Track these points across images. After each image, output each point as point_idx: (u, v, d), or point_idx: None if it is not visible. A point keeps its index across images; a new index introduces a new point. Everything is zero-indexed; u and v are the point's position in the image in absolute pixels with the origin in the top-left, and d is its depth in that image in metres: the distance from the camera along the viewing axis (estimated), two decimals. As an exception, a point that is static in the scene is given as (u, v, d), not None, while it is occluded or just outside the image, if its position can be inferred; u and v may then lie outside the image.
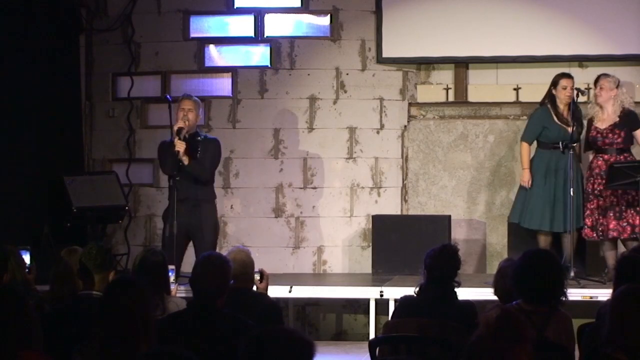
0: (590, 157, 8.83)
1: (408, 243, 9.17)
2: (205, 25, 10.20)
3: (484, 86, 9.94)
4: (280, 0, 10.11)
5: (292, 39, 10.06)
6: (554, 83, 8.83)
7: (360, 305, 9.53)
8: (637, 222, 8.47)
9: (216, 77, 10.19)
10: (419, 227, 9.32)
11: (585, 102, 9.05)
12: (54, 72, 9.67)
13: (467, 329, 4.94)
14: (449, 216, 9.52)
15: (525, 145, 8.91)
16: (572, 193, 8.47)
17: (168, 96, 9.10)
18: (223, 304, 4.71)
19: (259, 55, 10.16)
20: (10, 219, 8.90)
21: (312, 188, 10.01)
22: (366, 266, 9.66)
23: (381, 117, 10.01)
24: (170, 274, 6.22)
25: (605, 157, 8.62)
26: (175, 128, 8.38)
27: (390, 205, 9.95)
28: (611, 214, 8.52)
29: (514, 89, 9.86)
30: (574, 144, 8.66)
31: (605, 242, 8.65)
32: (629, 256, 5.37)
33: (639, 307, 3.76)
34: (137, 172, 10.13)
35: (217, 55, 10.21)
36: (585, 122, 8.96)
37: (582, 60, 9.70)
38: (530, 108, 9.58)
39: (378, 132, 10.02)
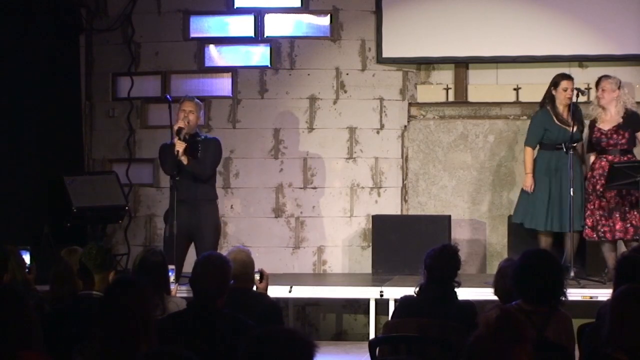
0: (592, 158, 8.80)
1: (408, 243, 9.17)
2: (205, 25, 10.20)
3: (484, 86, 9.94)
4: (280, 0, 10.11)
5: (292, 39, 10.06)
6: (555, 84, 8.82)
7: (360, 305, 9.53)
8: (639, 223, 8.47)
9: (216, 77, 10.19)
10: (419, 227, 9.32)
11: (585, 102, 9.05)
12: (54, 72, 9.67)
13: (467, 329, 4.94)
14: (449, 216, 9.52)
15: (529, 149, 8.89)
16: (572, 193, 8.46)
17: (168, 96, 9.11)
18: (223, 304, 4.71)
19: (259, 55, 10.16)
20: (10, 219, 8.90)
21: (312, 188, 10.01)
22: (366, 266, 9.66)
23: (381, 117, 10.01)
24: (170, 274, 6.22)
25: (609, 157, 8.60)
26: (175, 128, 8.38)
27: (390, 205, 9.95)
28: (617, 215, 8.51)
29: (514, 89, 9.86)
30: (575, 144, 8.66)
31: (605, 243, 8.65)
32: (629, 256, 5.37)
33: (639, 307, 3.75)
34: (137, 172, 10.13)
35: (217, 55, 10.21)
36: (586, 122, 8.96)
37: (582, 60, 9.69)
38: (530, 108, 9.58)
39: (378, 132, 10.02)
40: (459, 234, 9.74)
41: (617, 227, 8.49)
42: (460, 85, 9.95)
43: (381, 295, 8.43)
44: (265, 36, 10.09)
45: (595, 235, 8.61)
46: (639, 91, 9.53)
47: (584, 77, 9.45)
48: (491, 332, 3.08)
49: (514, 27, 9.67)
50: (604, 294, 7.57)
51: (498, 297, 5.37)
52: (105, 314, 3.87)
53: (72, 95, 10.07)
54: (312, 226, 9.98)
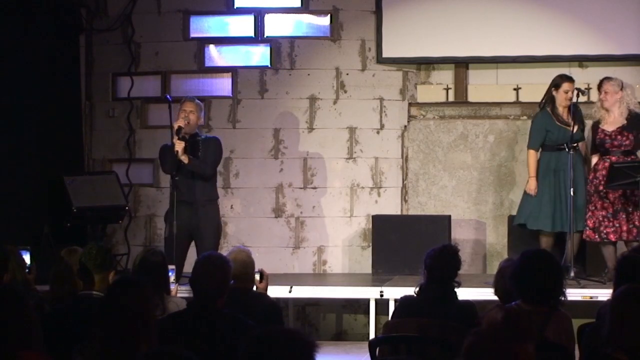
0: (595, 159, 8.77)
1: (408, 243, 9.17)
2: (205, 25, 10.20)
3: (484, 86, 9.94)
4: (280, 0, 10.11)
5: (292, 39, 10.06)
6: (556, 85, 8.79)
7: (360, 305, 9.53)
8: None
9: (216, 77, 10.19)
10: (419, 227, 9.32)
11: (585, 102, 9.05)
12: (54, 72, 9.67)
13: (467, 329, 4.93)
14: (449, 216, 9.52)
15: (532, 152, 8.87)
16: (572, 193, 8.46)
17: (168, 96, 9.11)
18: (223, 304, 4.71)
19: (259, 55, 10.16)
20: (10, 219, 8.90)
21: (312, 188, 10.01)
22: (366, 266, 9.66)
23: (381, 117, 10.01)
24: (170, 274, 6.22)
25: (613, 159, 8.58)
26: (175, 126, 8.38)
27: (390, 205, 9.95)
28: (623, 216, 8.50)
29: (514, 89, 9.86)
30: (575, 144, 8.65)
31: (606, 243, 8.64)
32: (629, 256, 5.37)
33: (639, 307, 3.75)
34: (137, 172, 10.14)
35: (217, 55, 10.21)
36: (586, 122, 8.95)
37: (582, 60, 9.69)
38: (530, 108, 9.58)
39: (378, 132, 10.02)
40: (459, 234, 9.74)
41: (624, 228, 8.48)
42: (460, 85, 9.95)
43: (381, 295, 8.43)
44: (265, 36, 10.09)
45: (597, 237, 8.58)
46: (639, 91, 9.53)
47: (584, 77, 9.45)
48: (496, 329, 3.08)
49: (514, 27, 9.67)
50: (604, 294, 7.56)
51: (498, 297, 5.37)
52: (105, 314, 3.87)
53: (72, 95, 10.07)
54: (312, 226, 9.98)
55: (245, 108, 10.07)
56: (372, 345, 5.42)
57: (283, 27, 10.11)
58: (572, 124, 8.65)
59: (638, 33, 9.50)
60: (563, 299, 4.86)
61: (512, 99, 9.89)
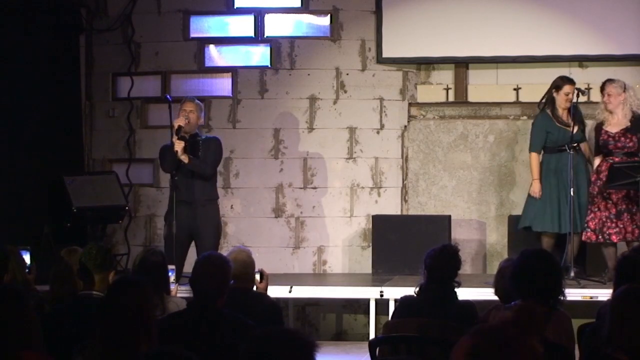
0: (598, 160, 8.75)
1: (408, 243, 9.17)
2: (205, 25, 10.20)
3: (484, 86, 9.94)
4: (280, 0, 10.11)
5: (292, 39, 10.06)
6: (557, 87, 8.77)
7: (360, 305, 9.53)
8: None
9: (216, 77, 10.19)
10: (419, 227, 9.32)
11: (585, 102, 9.05)
12: (54, 72, 9.67)
13: (468, 329, 4.93)
14: (449, 216, 9.52)
15: (534, 155, 8.86)
16: (572, 193, 8.45)
17: (168, 96, 9.11)
18: (223, 304, 4.71)
19: (259, 55, 10.16)
20: (10, 219, 8.90)
21: (312, 188, 10.01)
22: (366, 266, 9.66)
23: (381, 117, 10.01)
24: (170, 274, 6.22)
25: (616, 160, 8.57)
26: (175, 125, 8.39)
27: (390, 205, 9.95)
28: (627, 217, 8.49)
29: (514, 89, 9.86)
30: (575, 144, 8.63)
31: (607, 243, 8.62)
32: (629, 256, 5.37)
33: (639, 307, 3.75)
34: (137, 172, 10.14)
35: (217, 55, 10.22)
36: (587, 122, 8.94)
37: (582, 60, 9.69)
38: (530, 108, 9.58)
39: (378, 132, 10.02)
40: (459, 234, 9.74)
41: (629, 229, 8.46)
42: (460, 85, 9.95)
43: (381, 295, 8.43)
44: (265, 36, 10.09)
45: (600, 237, 8.54)
46: (639, 91, 9.53)
47: (584, 77, 9.45)
48: (508, 326, 3.08)
49: (514, 27, 9.67)
50: (604, 294, 7.56)
51: (498, 297, 5.37)
52: (105, 314, 3.87)
53: (72, 95, 10.07)
54: (312, 226, 9.98)
55: (245, 108, 10.07)
56: (372, 345, 5.42)
57: (283, 27, 10.11)
58: (572, 124, 8.64)
59: (638, 33, 9.50)
60: (562, 298, 4.85)
61: (512, 99, 9.89)
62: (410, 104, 10.06)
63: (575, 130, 8.62)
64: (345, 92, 10.02)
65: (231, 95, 10.11)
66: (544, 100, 8.88)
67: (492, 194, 9.87)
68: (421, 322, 5.39)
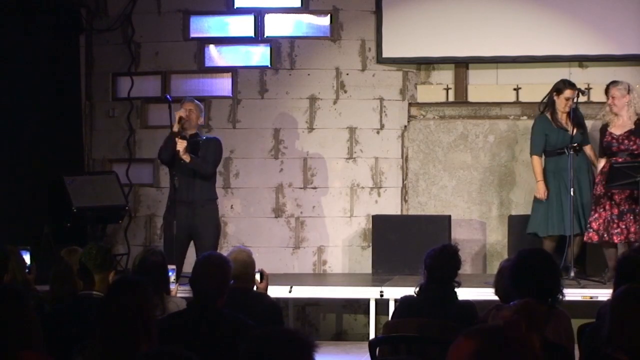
0: (602, 162, 8.72)
1: (408, 243, 9.17)
2: (205, 25, 10.20)
3: (484, 86, 9.94)
4: (280, 0, 10.11)
5: (292, 39, 10.06)
6: (558, 90, 8.75)
7: (360, 305, 9.53)
8: None
9: (216, 77, 10.19)
10: (419, 227, 9.32)
11: (585, 102, 9.05)
12: (54, 72, 9.68)
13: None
14: (449, 216, 9.52)
15: (536, 158, 8.85)
16: (572, 193, 8.44)
17: (168, 96, 9.11)
18: (223, 304, 4.71)
19: (259, 55, 10.16)
20: (10, 219, 8.90)
21: (312, 188, 10.01)
22: (366, 266, 9.66)
23: (381, 117, 10.01)
24: (170, 273, 6.22)
25: (619, 161, 8.57)
26: (177, 116, 8.43)
27: (390, 205, 9.95)
28: (631, 217, 8.48)
29: (514, 89, 9.86)
30: (576, 145, 8.62)
31: (608, 243, 8.62)
32: (629, 256, 5.37)
33: (639, 307, 3.75)
34: (137, 172, 10.14)
35: (217, 55, 10.22)
36: (588, 122, 8.93)
37: (582, 60, 9.69)
38: (530, 108, 9.59)
39: (378, 132, 10.02)
40: (459, 234, 9.74)
41: (632, 229, 8.45)
42: (460, 85, 9.95)
43: (381, 295, 8.43)
44: (265, 36, 10.09)
45: (605, 236, 8.53)
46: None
47: (584, 77, 9.45)
48: (512, 324, 3.08)
49: (514, 27, 9.67)
50: (604, 294, 7.56)
51: (499, 297, 5.37)
52: (105, 314, 3.87)
53: (72, 95, 10.08)
54: (312, 226, 9.98)
55: (245, 108, 10.07)
56: (372, 345, 5.42)
57: (283, 27, 10.11)
58: (571, 127, 8.62)
59: (638, 33, 9.49)
60: (561, 297, 4.85)
61: (512, 99, 9.89)
62: (410, 104, 10.06)
63: (574, 133, 8.60)
64: (345, 92, 10.02)
65: (231, 95, 10.11)
66: (544, 103, 8.87)
67: (492, 194, 9.87)
68: (421, 322, 5.39)
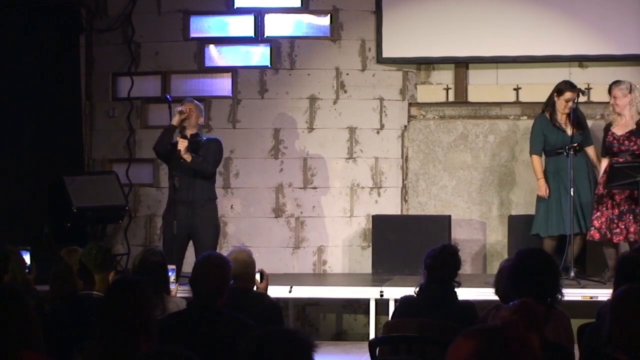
0: (605, 161, 8.73)
1: (408, 243, 9.17)
2: (205, 25, 10.20)
3: (484, 86, 9.94)
4: (280, 0, 10.11)
5: (292, 39, 10.06)
6: (559, 91, 8.73)
7: (360, 305, 9.53)
8: None
9: (216, 77, 10.19)
10: (419, 227, 9.32)
11: (585, 102, 9.05)
12: (54, 72, 9.68)
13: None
14: (449, 216, 9.52)
15: (535, 157, 8.85)
16: (572, 193, 8.45)
17: (168, 96, 9.12)
18: (223, 304, 4.71)
19: (259, 55, 10.16)
20: (10, 219, 8.90)
21: (312, 188, 10.01)
22: (366, 266, 9.66)
23: (381, 117, 10.01)
24: (170, 273, 6.22)
25: (620, 160, 8.57)
26: (178, 109, 8.46)
27: (390, 205, 9.95)
28: (630, 217, 8.49)
29: (514, 89, 9.85)
30: (575, 145, 8.62)
31: (608, 243, 8.63)
32: (629, 256, 5.37)
33: (639, 307, 3.75)
34: (137, 172, 10.14)
35: (217, 55, 10.22)
36: (591, 122, 8.93)
37: (582, 60, 9.69)
38: (530, 108, 9.59)
39: (378, 132, 10.02)
40: (459, 234, 9.74)
41: (632, 229, 8.46)
42: (460, 85, 9.95)
43: (381, 295, 8.43)
44: (265, 36, 10.09)
45: (608, 234, 8.54)
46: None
47: (584, 77, 9.45)
48: (513, 323, 3.08)
49: (514, 27, 9.67)
50: (604, 294, 7.56)
51: (498, 297, 5.37)
52: (105, 314, 3.87)
53: (72, 95, 10.08)
54: (312, 226, 9.98)
55: (245, 108, 10.07)
56: (372, 345, 5.42)
57: (283, 27, 10.11)
58: (570, 128, 8.62)
59: (638, 33, 9.49)
60: (560, 297, 4.85)
61: (512, 99, 9.88)
62: (410, 104, 10.06)
63: (573, 133, 8.59)
64: (345, 92, 10.02)
65: (231, 95, 10.11)
66: (545, 104, 8.87)
67: (492, 194, 9.87)
68: (421, 322, 5.39)
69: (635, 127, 8.61)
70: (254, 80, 10.06)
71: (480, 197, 9.88)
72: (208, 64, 10.17)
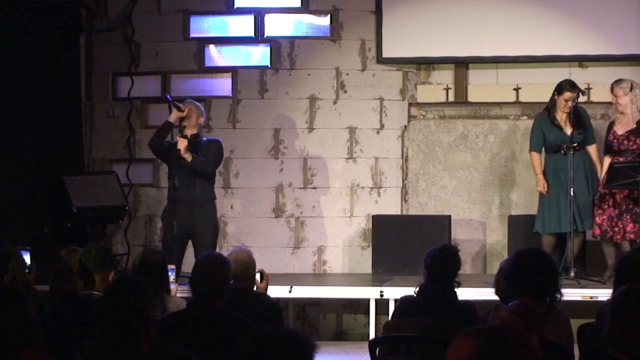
0: (608, 160, 8.72)
1: (408, 243, 9.17)
2: (205, 25, 10.20)
3: (484, 86, 9.94)
4: (280, 0, 10.11)
5: (292, 39, 10.06)
6: (559, 90, 8.73)
7: (360, 305, 9.53)
8: None
9: (216, 77, 10.19)
10: (419, 227, 9.32)
11: (585, 102, 9.05)
12: (54, 72, 9.68)
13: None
14: (449, 216, 9.52)
15: (534, 154, 8.85)
16: (572, 193, 8.45)
17: (168, 96, 9.11)
18: (223, 304, 4.71)
19: (259, 55, 10.16)
20: (10, 219, 8.90)
21: (312, 188, 10.01)
22: (366, 266, 9.66)
23: (381, 117, 10.01)
24: (170, 273, 6.22)
25: (621, 159, 8.58)
26: (179, 107, 8.49)
27: (390, 205, 9.95)
28: (628, 217, 8.50)
29: (514, 89, 9.86)
30: (575, 144, 8.62)
31: (609, 242, 8.64)
32: (630, 256, 5.37)
33: (639, 307, 3.75)
34: (137, 172, 10.14)
35: (217, 55, 10.22)
36: (589, 123, 8.93)
37: (582, 60, 9.69)
38: (530, 108, 9.59)
39: (378, 132, 10.02)
40: (459, 234, 9.74)
41: (629, 228, 8.48)
42: (460, 85, 9.95)
43: (381, 295, 8.43)
44: (265, 36, 10.09)
45: (610, 232, 8.55)
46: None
47: (584, 77, 9.45)
48: (512, 323, 3.08)
49: (514, 27, 9.67)
50: (604, 294, 7.56)
51: (499, 297, 5.37)
52: (105, 314, 3.87)
53: (72, 95, 10.08)
54: (312, 226, 9.98)
55: (245, 108, 10.07)
56: (372, 345, 5.42)
57: (283, 27, 10.11)
58: (570, 126, 8.62)
59: (638, 33, 9.49)
60: (559, 297, 4.85)
61: (512, 99, 9.89)
62: (410, 104, 10.06)
63: (572, 133, 8.59)
64: (345, 92, 10.02)
65: (231, 95, 10.11)
66: (549, 103, 8.88)
67: (492, 194, 9.87)
68: (421, 322, 5.39)
69: (635, 126, 8.63)
70: (254, 80, 10.06)
71: (480, 197, 9.89)
72: (208, 64, 10.17)
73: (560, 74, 9.25)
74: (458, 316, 5.41)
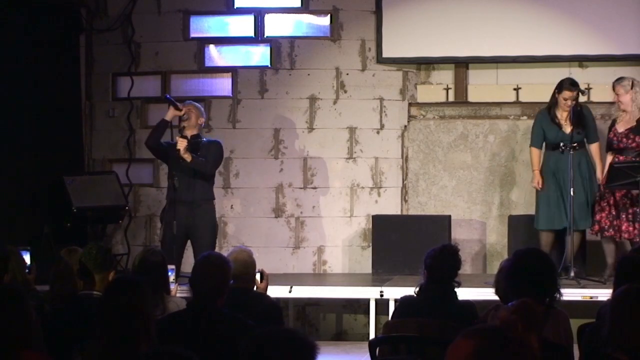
0: (610, 158, 8.73)
1: (408, 243, 9.17)
2: (205, 25, 10.20)
3: (484, 86, 9.94)
4: (280, 0, 10.11)
5: (292, 39, 10.06)
6: (559, 88, 8.74)
7: (360, 305, 9.53)
8: None
9: (216, 77, 10.19)
10: (419, 227, 9.32)
11: (585, 102, 9.05)
12: (54, 72, 9.68)
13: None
14: (449, 216, 9.52)
15: (533, 149, 8.87)
16: (572, 193, 8.46)
17: (168, 96, 9.11)
18: (223, 304, 4.71)
19: (259, 55, 10.16)
20: (10, 219, 8.90)
21: (312, 188, 10.01)
22: (366, 266, 9.66)
23: (381, 117, 10.01)
24: (170, 273, 6.22)
25: (621, 158, 8.59)
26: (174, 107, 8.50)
27: (390, 205, 9.95)
28: (623, 216, 8.51)
29: (514, 89, 9.86)
30: (575, 144, 8.62)
31: (608, 241, 8.65)
32: (630, 256, 5.37)
33: (639, 307, 3.75)
34: (137, 172, 10.14)
35: (217, 55, 10.22)
36: (592, 121, 8.94)
37: (582, 60, 9.69)
38: (530, 108, 9.60)
39: (378, 132, 10.02)
40: (459, 234, 9.74)
41: (623, 227, 8.49)
42: (460, 85, 9.95)
43: (381, 295, 8.43)
44: (265, 36, 10.09)
45: (611, 231, 8.57)
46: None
47: (584, 77, 9.45)
48: (512, 323, 3.08)
49: (514, 27, 9.67)
50: (604, 294, 7.56)
51: (499, 297, 5.36)
52: (105, 314, 3.87)
53: (72, 95, 10.08)
54: (312, 226, 9.98)
55: (245, 108, 10.07)
56: (372, 345, 5.42)
57: (283, 27, 10.11)
58: (569, 125, 8.63)
59: (638, 33, 9.49)
60: (559, 296, 4.85)
61: (512, 99, 9.89)
62: (410, 104, 10.06)
63: (572, 132, 8.60)
64: (345, 92, 10.02)
65: (231, 95, 10.11)
66: (550, 101, 8.90)
67: (492, 194, 9.87)
68: (421, 322, 5.39)
69: (635, 124, 8.64)
70: (254, 80, 10.06)
71: (480, 197, 9.89)
72: (208, 64, 10.17)
73: (560, 74, 9.25)
74: (458, 316, 5.41)
